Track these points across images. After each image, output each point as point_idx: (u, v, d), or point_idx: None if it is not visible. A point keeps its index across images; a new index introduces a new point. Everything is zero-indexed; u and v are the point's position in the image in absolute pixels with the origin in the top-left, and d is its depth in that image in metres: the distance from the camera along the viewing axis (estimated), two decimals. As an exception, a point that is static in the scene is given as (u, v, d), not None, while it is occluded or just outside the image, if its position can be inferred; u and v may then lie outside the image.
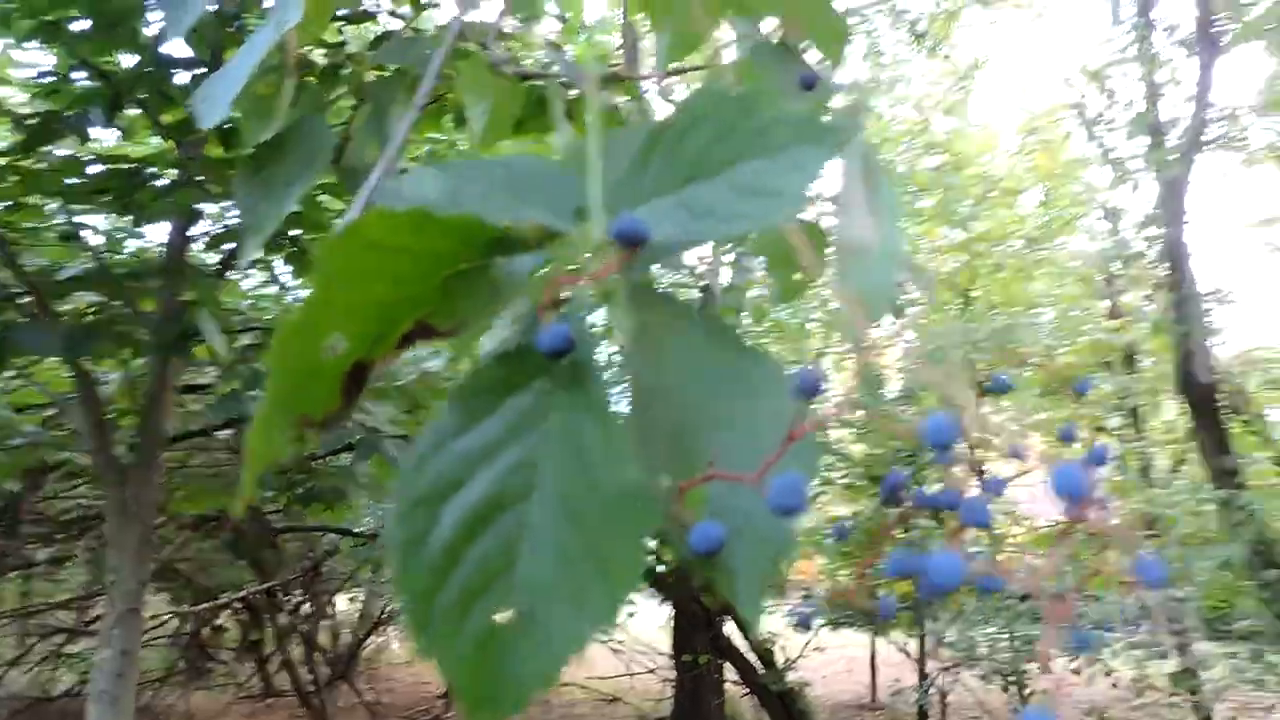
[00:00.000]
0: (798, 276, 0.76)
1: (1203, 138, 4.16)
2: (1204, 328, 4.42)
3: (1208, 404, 4.50)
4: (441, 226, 0.39)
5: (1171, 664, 4.82)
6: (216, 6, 2.04)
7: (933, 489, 0.49)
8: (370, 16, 2.13)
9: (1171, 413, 5.83)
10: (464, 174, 0.46)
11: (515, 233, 0.42)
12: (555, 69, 0.97)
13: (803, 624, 0.60)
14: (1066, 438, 0.52)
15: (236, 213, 2.84)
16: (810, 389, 0.40)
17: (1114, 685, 4.61)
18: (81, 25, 2.20)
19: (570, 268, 0.44)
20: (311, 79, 1.05)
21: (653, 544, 5.11)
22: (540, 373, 0.41)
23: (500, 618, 0.35)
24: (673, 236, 0.43)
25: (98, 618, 5.70)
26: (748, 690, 5.23)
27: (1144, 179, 4.83)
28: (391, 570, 0.37)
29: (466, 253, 0.41)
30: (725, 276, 6.13)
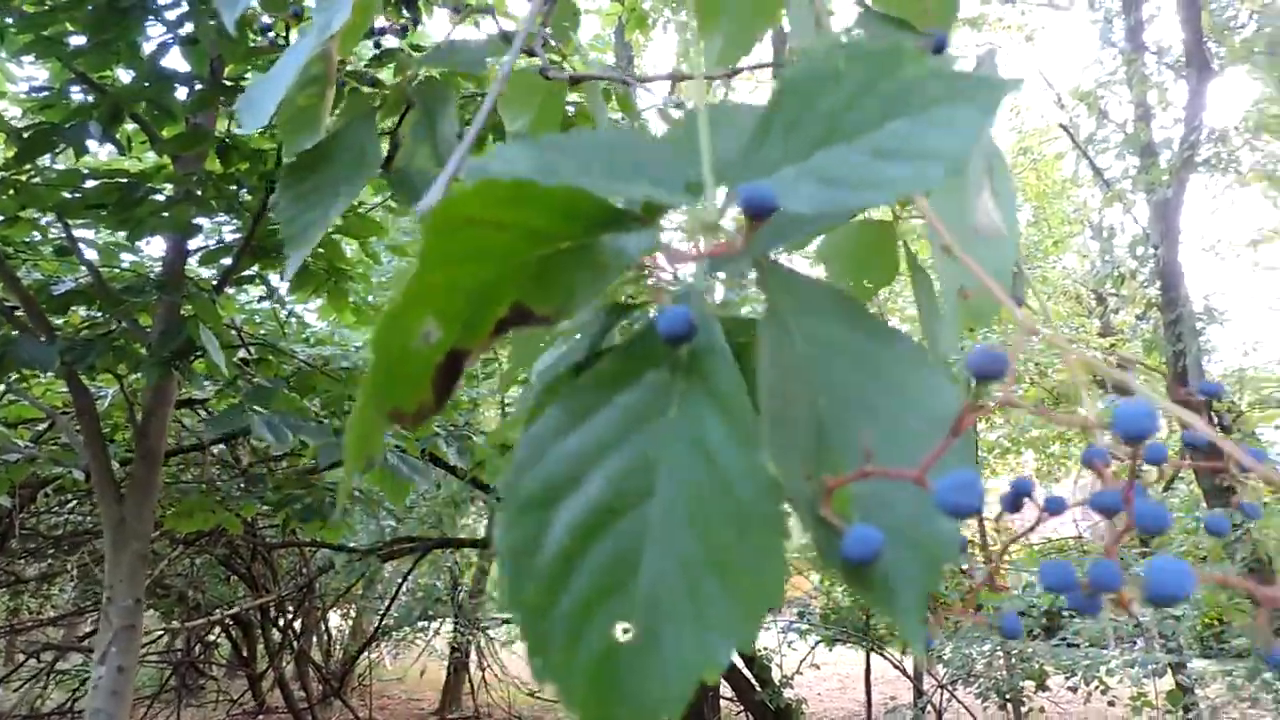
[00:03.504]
0: (866, 283, 0.70)
1: (1194, 158, 4.20)
2: (1197, 348, 4.44)
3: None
4: (543, 199, 0.36)
5: (1168, 682, 4.81)
6: (215, 22, 2.06)
7: (1094, 490, 0.42)
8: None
9: (1164, 430, 5.85)
10: (558, 148, 0.42)
11: (623, 209, 0.39)
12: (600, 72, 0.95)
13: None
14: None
15: (234, 227, 2.85)
16: (992, 371, 0.34)
17: (1111, 703, 4.60)
18: (78, 40, 2.21)
19: (682, 247, 0.40)
20: (358, 85, 1.04)
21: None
22: (657, 363, 0.37)
23: (621, 633, 0.32)
24: (806, 208, 0.38)
25: (89, 634, 5.66)
26: (744, 708, 5.20)
27: (1136, 199, 4.87)
28: (501, 582, 0.34)
29: (569, 229, 0.37)
30: (719, 292, 6.15)
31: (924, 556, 0.35)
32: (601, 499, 0.34)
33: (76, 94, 2.36)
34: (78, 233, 2.67)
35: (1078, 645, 4.52)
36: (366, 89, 1.01)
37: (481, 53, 0.86)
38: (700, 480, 0.34)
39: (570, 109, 1.97)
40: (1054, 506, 0.45)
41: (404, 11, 2.41)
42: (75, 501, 4.80)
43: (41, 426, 3.70)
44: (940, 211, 0.46)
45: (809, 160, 0.39)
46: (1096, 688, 4.42)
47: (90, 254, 2.87)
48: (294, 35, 1.91)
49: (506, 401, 5.27)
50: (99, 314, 2.95)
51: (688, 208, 0.40)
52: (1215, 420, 5.10)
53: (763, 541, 0.33)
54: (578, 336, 0.48)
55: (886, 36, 0.61)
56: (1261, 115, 4.50)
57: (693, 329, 0.36)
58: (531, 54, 0.79)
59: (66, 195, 2.38)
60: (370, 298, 3.32)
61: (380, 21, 2.36)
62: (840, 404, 0.38)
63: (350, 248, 3.01)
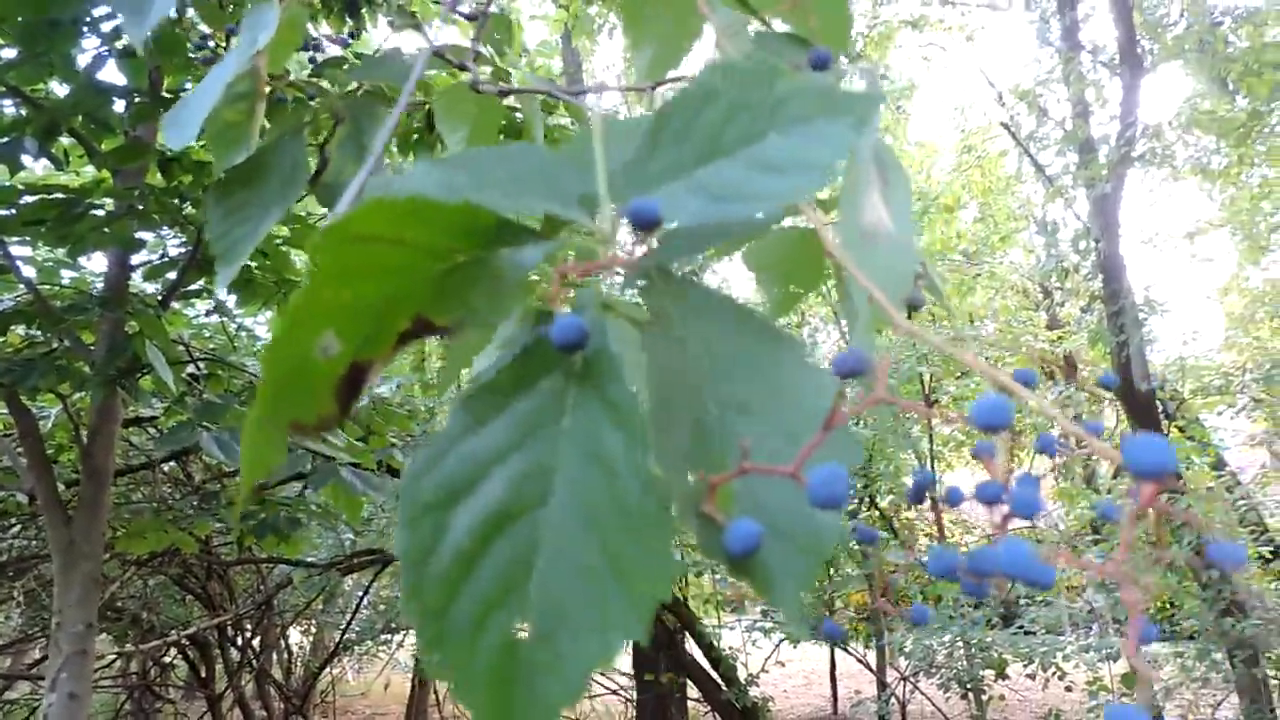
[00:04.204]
0: (793, 289, 0.72)
1: (1130, 154, 4.31)
2: (1140, 339, 4.55)
3: (1146, 410, 4.64)
4: (439, 215, 0.37)
5: (1122, 665, 4.93)
6: (152, 34, 2.02)
7: (974, 482, 0.45)
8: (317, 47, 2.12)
9: (1111, 420, 6.00)
10: (460, 166, 0.43)
11: (519, 222, 0.40)
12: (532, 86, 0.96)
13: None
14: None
15: (179, 241, 2.80)
16: (856, 370, 0.36)
17: (1068, 689, 4.70)
18: (9, 53, 2.16)
19: (577, 258, 0.42)
20: (292, 95, 1.03)
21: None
22: (552, 370, 0.38)
23: (519, 632, 0.33)
24: (691, 221, 0.40)
25: (38, 661, 5.50)
26: (711, 707, 5.22)
27: (1076, 194, 4.99)
28: (402, 583, 0.35)
29: (466, 244, 0.38)
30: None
31: (803, 550, 0.37)
32: (499, 502, 0.35)
33: (9, 108, 2.31)
34: (15, 250, 2.61)
35: (1034, 633, 4.61)
36: (310, 101, 1.00)
37: (409, 66, 0.86)
38: (593, 484, 0.35)
39: (520, 116, 1.97)
40: (954, 499, 0.47)
41: (347, 20, 2.38)
42: (19, 526, 4.67)
43: (-17, 450, 3.59)
44: (845, 219, 0.48)
45: (692, 175, 0.41)
46: (1054, 674, 4.50)
47: (29, 272, 2.80)
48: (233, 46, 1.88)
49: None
50: (39, 333, 2.88)
51: (584, 221, 0.41)
52: (1161, 409, 5.23)
53: (653, 542, 0.34)
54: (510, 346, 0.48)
55: (781, 49, 0.64)
56: (1193, 111, 4.63)
57: (585, 337, 0.37)
58: (464, 68, 0.79)
59: (2, 212, 2.32)
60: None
61: (325, 29, 2.34)
62: (727, 407, 0.40)
63: (300, 259, 2.98)
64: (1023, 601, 4.99)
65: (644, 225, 0.38)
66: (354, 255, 0.36)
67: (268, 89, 0.77)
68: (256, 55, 0.64)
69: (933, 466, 5.87)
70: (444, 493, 0.36)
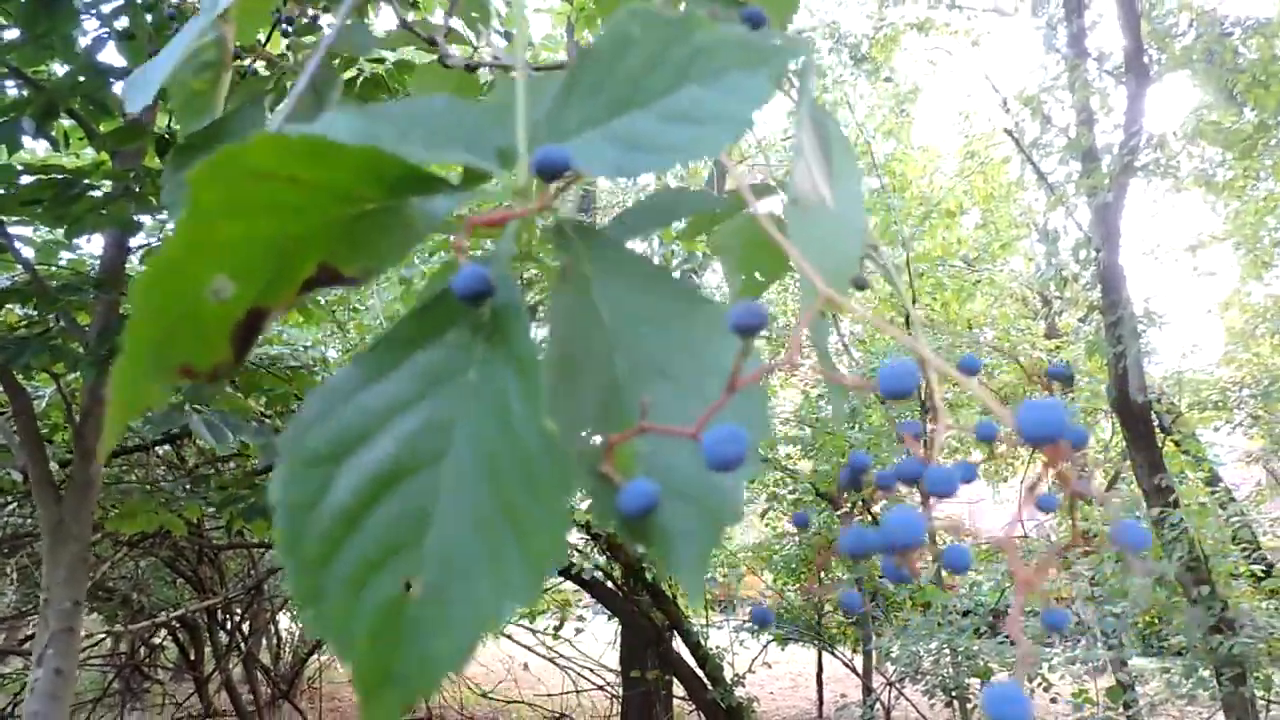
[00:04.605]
0: (759, 275, 0.71)
1: (1133, 163, 4.30)
2: (1138, 350, 4.54)
3: (1142, 423, 4.63)
4: (343, 158, 0.35)
5: (1108, 679, 4.92)
6: (151, 19, 2.02)
7: (893, 463, 0.44)
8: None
9: (1107, 432, 5.99)
10: (383, 116, 0.42)
11: (431, 171, 0.38)
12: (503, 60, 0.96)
13: (760, 622, 0.53)
14: (985, 437, 0.49)
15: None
16: (750, 325, 0.34)
17: (1053, 700, 4.69)
18: (11, 34, 2.17)
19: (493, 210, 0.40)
20: (263, 66, 1.03)
21: (601, 558, 5.11)
22: (459, 322, 0.37)
23: (407, 591, 0.32)
24: (601, 171, 0.39)
25: (29, 637, 5.52)
26: (696, 706, 5.23)
27: (1078, 203, 4.97)
28: (276, 535, 0.33)
29: (374, 190, 0.37)
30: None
31: (705, 515, 0.36)
32: (394, 456, 0.34)
33: (10, 89, 2.31)
34: (14, 230, 2.62)
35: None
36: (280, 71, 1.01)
37: (373, 38, 0.86)
38: (495, 441, 0.35)
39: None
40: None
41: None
42: (15, 504, 4.69)
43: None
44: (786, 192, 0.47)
45: (608, 125, 0.40)
46: (1039, 685, 4.50)
47: (27, 252, 2.81)
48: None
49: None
50: (36, 313, 2.89)
51: (498, 172, 0.40)
52: (1157, 422, 5.23)
53: (551, 500, 0.34)
54: None
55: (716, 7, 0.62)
56: (1199, 122, 4.61)
57: (489, 288, 0.36)
58: (433, 43, 0.80)
59: (1, 191, 2.33)
60: (321, 298, 3.28)
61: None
62: (639, 367, 0.39)
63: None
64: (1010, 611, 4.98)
65: (552, 174, 0.37)
66: (246, 190, 0.34)
67: (238, 60, 0.77)
68: (224, 25, 0.64)
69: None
70: (333, 445, 0.35)
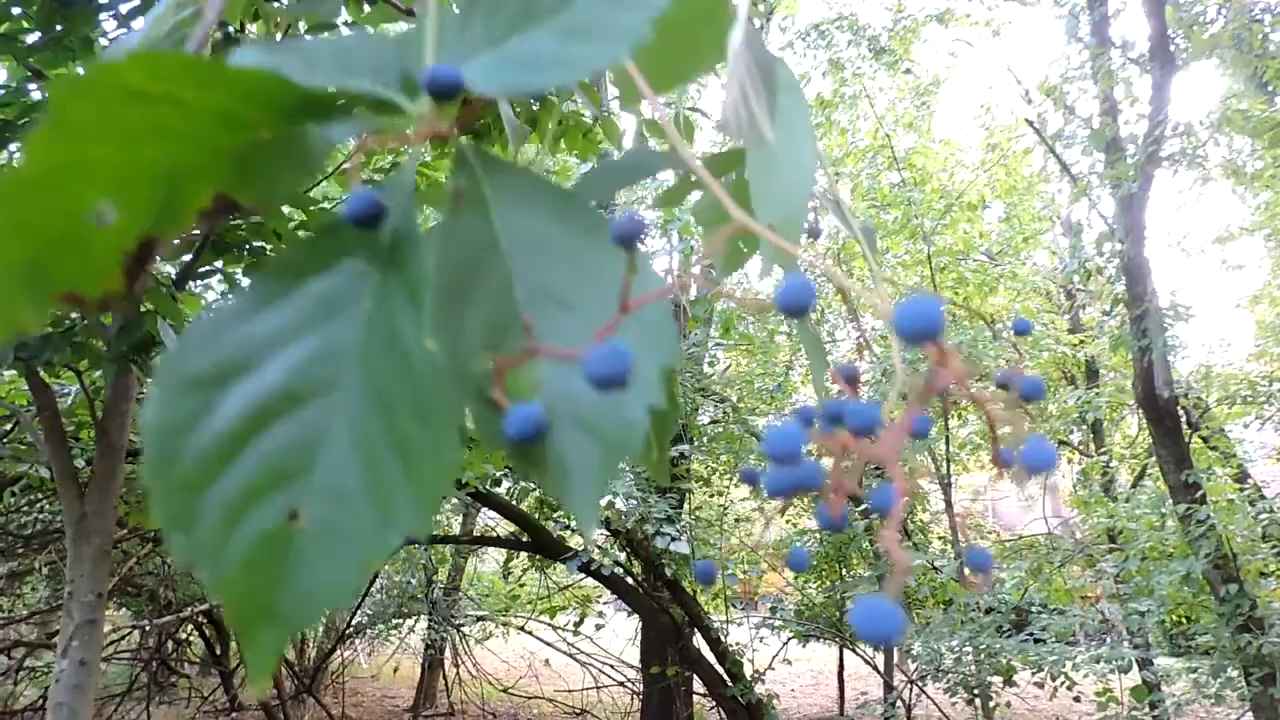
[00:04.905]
0: (743, 246, 0.69)
1: (1159, 153, 4.22)
2: (1163, 343, 4.47)
3: (1168, 419, 4.56)
4: (231, 81, 0.34)
5: (1133, 678, 4.85)
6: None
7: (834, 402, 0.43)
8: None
9: (1133, 427, 5.90)
10: (290, 48, 0.41)
11: (329, 97, 0.38)
12: None
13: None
14: (847, 377, 0.46)
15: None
16: (629, 233, 0.33)
17: (1076, 699, 4.64)
18: (33, 37, 2.19)
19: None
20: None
21: (621, 554, 5.11)
22: (354, 250, 0.37)
23: (291, 519, 0.31)
24: (495, 90, 0.39)
25: (58, 632, 5.61)
26: (715, 702, 5.22)
27: (1102, 195, 4.90)
28: (145, 459, 0.32)
29: (268, 116, 0.36)
30: (692, 290, 6.16)
31: (602, 445, 0.35)
32: (283, 384, 0.34)
33: (34, 91, 2.34)
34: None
35: (1045, 641, 4.55)
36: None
37: (338, 5, 0.86)
38: (390, 372, 0.34)
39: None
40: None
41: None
42: (46, 501, 4.79)
43: (7, 426, 3.69)
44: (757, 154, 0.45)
45: (505, 45, 0.39)
46: (1062, 683, 4.45)
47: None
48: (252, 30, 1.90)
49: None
50: (58, 310, 2.93)
51: (399, 100, 0.39)
52: (1185, 417, 5.14)
53: (442, 431, 0.33)
54: None
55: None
56: (1227, 111, 4.52)
57: (379, 210, 0.36)
58: (410, 14, 0.79)
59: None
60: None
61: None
62: (536, 295, 0.38)
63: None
64: (1033, 610, 4.93)
65: (443, 94, 0.37)
66: (121, 112, 0.32)
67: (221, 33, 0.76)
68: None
69: (948, 469, 5.81)
70: (216, 370, 0.34)
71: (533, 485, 4.65)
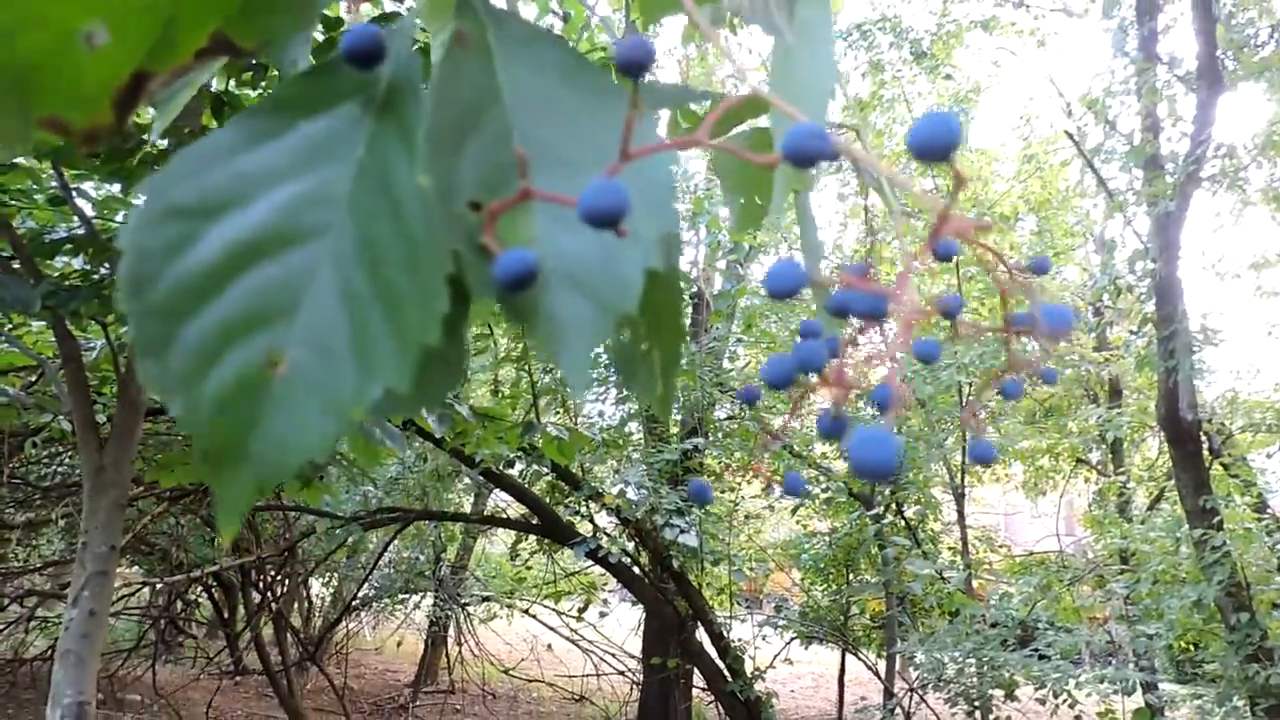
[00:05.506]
0: (758, 199, 0.67)
1: (1199, 173, 4.16)
2: (1190, 366, 4.41)
3: (1189, 442, 4.50)
4: None
5: (1136, 700, 4.81)
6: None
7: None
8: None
9: (1153, 450, 5.83)
10: None
11: None
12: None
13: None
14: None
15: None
16: (636, 60, 0.31)
17: (1078, 718, 4.60)
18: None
19: None
20: None
21: (629, 544, 5.12)
22: (351, 95, 0.35)
23: (271, 363, 0.30)
24: None
25: (71, 582, 5.69)
26: (714, 697, 5.22)
27: (1137, 213, 4.84)
28: (120, 278, 0.31)
29: None
30: (717, 283, 6.15)
31: (598, 302, 0.34)
32: (271, 224, 0.33)
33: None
34: (76, 185, 2.68)
35: (1049, 657, 4.51)
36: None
37: None
38: (380, 221, 0.33)
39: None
40: (749, 396, 0.43)
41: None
42: (67, 455, 4.85)
43: (32, 377, 3.73)
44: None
45: None
46: (1064, 701, 4.41)
47: (86, 207, 2.88)
48: None
49: (499, 380, 5.27)
50: (89, 265, 2.96)
51: None
52: (1207, 442, 5.08)
53: (429, 280, 0.32)
54: None
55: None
56: (1273, 135, 4.45)
57: (379, 49, 0.34)
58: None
59: (60, 143, 2.38)
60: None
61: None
62: (538, 154, 0.36)
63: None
64: (1041, 626, 4.89)
65: None
66: None
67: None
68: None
69: (963, 480, 5.77)
70: (203, 201, 0.32)
71: (545, 469, 4.65)
